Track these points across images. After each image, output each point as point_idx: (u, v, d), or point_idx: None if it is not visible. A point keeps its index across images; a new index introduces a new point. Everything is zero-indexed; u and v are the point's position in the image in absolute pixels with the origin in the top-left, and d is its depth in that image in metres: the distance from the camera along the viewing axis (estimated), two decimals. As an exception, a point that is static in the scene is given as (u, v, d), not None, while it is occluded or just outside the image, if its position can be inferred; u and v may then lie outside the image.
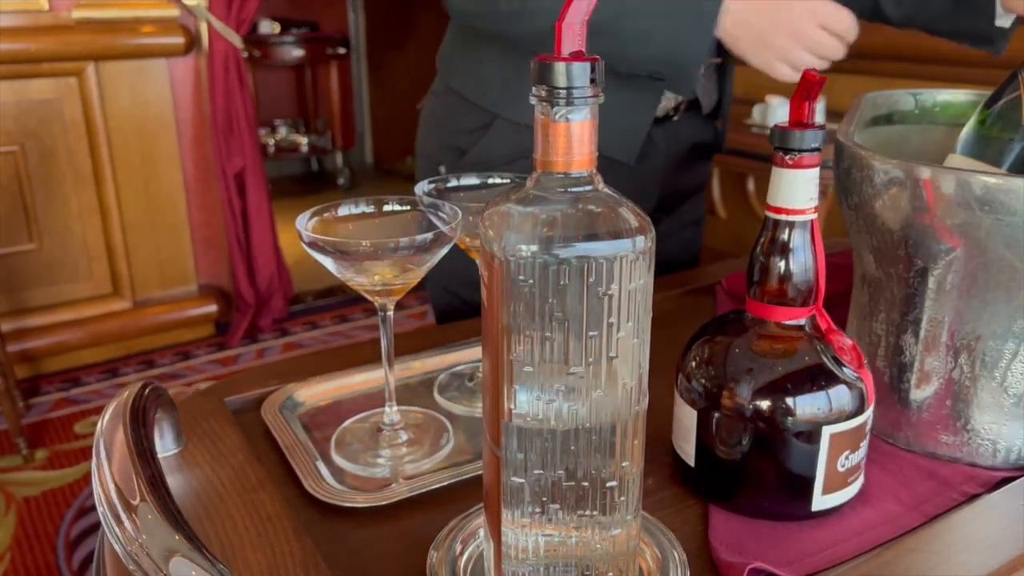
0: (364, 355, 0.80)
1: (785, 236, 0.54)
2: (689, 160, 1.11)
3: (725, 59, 1.04)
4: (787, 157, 0.53)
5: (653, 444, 0.57)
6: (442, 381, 0.76)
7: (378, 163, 5.50)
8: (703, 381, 0.57)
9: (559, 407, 0.42)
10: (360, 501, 0.58)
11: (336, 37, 4.82)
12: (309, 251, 0.59)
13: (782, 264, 0.55)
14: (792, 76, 0.84)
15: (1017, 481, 0.59)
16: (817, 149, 0.52)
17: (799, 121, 0.53)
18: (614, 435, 0.43)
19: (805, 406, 0.54)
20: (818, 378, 0.54)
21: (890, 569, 0.50)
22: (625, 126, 0.97)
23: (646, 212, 0.43)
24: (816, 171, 0.53)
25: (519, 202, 0.42)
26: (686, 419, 0.58)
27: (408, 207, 0.65)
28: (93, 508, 1.96)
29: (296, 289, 3.12)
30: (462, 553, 0.52)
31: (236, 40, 2.64)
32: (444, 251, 0.60)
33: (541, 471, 0.43)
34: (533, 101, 0.41)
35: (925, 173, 0.56)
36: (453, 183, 0.72)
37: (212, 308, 2.84)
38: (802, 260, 0.54)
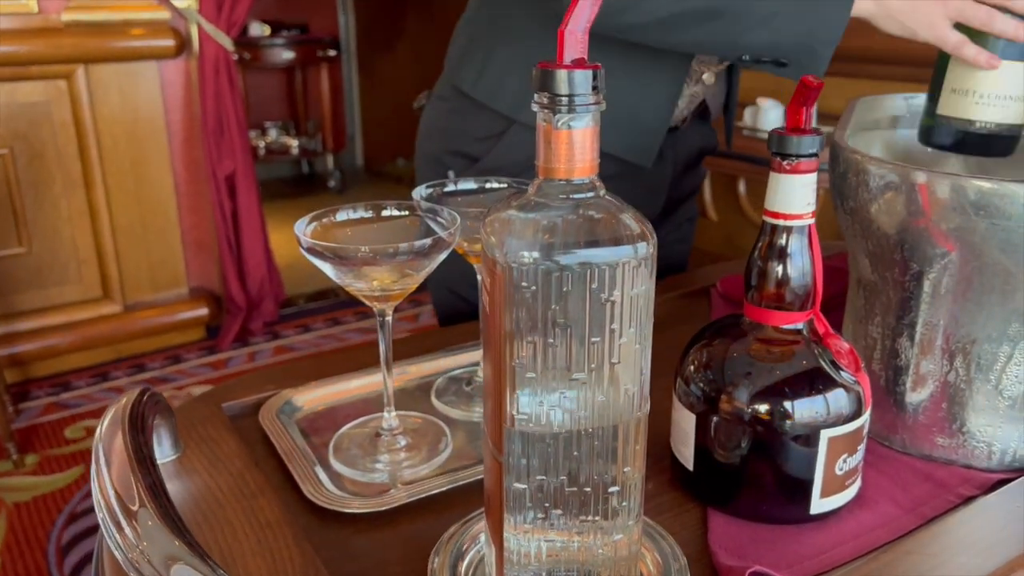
0: (360, 360, 0.80)
1: (783, 241, 0.55)
2: (692, 165, 1.11)
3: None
4: (785, 162, 0.53)
5: (652, 448, 0.57)
6: (440, 385, 0.76)
7: (369, 165, 5.50)
8: (701, 385, 0.57)
9: (561, 412, 0.42)
10: (359, 507, 0.58)
11: (326, 39, 4.81)
12: (308, 256, 0.59)
13: (780, 269, 0.55)
14: (944, 30, 0.77)
15: (1013, 483, 0.59)
16: (814, 154, 0.53)
17: (796, 127, 0.53)
18: (616, 440, 0.43)
19: (803, 410, 0.54)
20: (816, 382, 0.54)
21: (888, 572, 0.51)
22: (643, 128, 0.96)
23: (650, 218, 0.43)
24: (814, 176, 0.53)
25: (521, 208, 0.43)
26: (684, 423, 0.59)
27: (406, 212, 0.65)
28: (84, 513, 1.95)
29: (287, 292, 3.11)
30: (463, 558, 0.52)
31: (226, 42, 2.63)
32: (443, 256, 0.61)
33: (543, 477, 0.43)
34: (535, 108, 0.41)
35: (920, 177, 0.57)
36: (451, 188, 0.72)
37: (203, 311, 2.83)
38: (800, 265, 0.55)
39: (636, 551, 0.48)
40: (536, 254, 0.40)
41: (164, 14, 2.56)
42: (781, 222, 0.54)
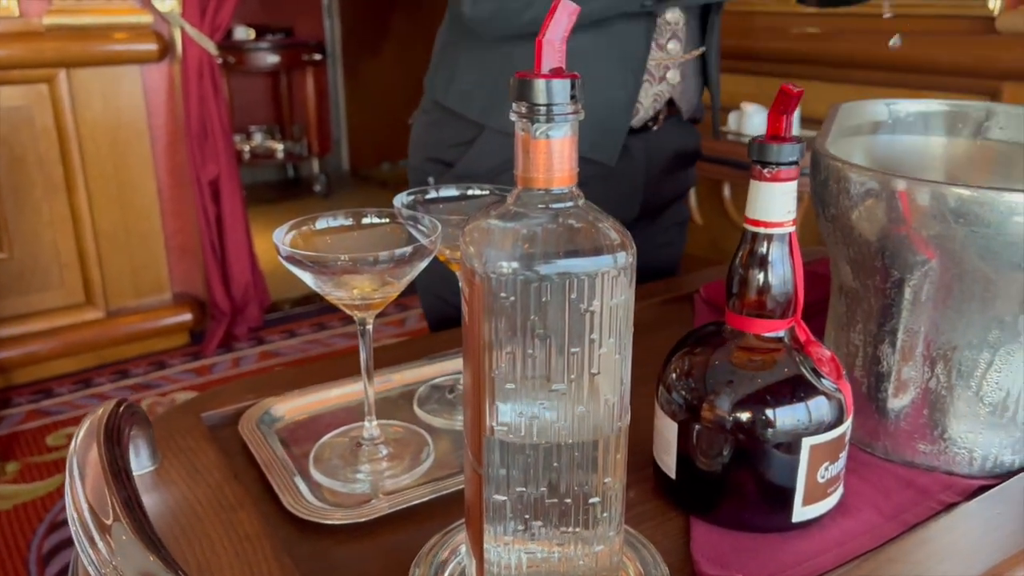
0: (343, 368, 0.79)
1: (764, 249, 0.54)
2: (673, 168, 1.11)
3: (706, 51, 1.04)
4: (765, 171, 0.53)
5: (633, 456, 0.57)
6: (422, 394, 0.76)
7: (354, 169, 5.48)
8: (683, 393, 0.57)
9: (541, 423, 0.42)
10: (339, 518, 0.57)
11: (312, 43, 4.80)
12: (287, 265, 0.58)
13: (761, 277, 0.55)
14: None
15: (994, 489, 0.59)
16: (795, 163, 0.53)
17: (777, 135, 0.53)
18: (596, 451, 0.43)
19: (785, 418, 0.54)
20: (797, 390, 0.54)
21: (870, 580, 0.51)
22: (603, 126, 0.96)
23: (625, 221, 0.43)
24: (794, 184, 0.53)
25: (500, 218, 0.42)
26: (667, 431, 0.58)
27: (387, 220, 0.65)
28: (66, 522, 1.93)
29: (272, 297, 3.09)
30: (444, 570, 0.52)
31: (210, 46, 2.62)
32: (424, 264, 0.60)
33: (523, 488, 0.43)
34: (513, 117, 0.41)
35: (900, 185, 0.57)
36: (432, 195, 0.71)
37: (187, 317, 2.81)
38: (781, 273, 0.55)
39: (618, 561, 0.47)
40: (515, 264, 0.40)
41: (147, 18, 2.54)
42: (762, 230, 0.54)
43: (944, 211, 0.55)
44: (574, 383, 0.41)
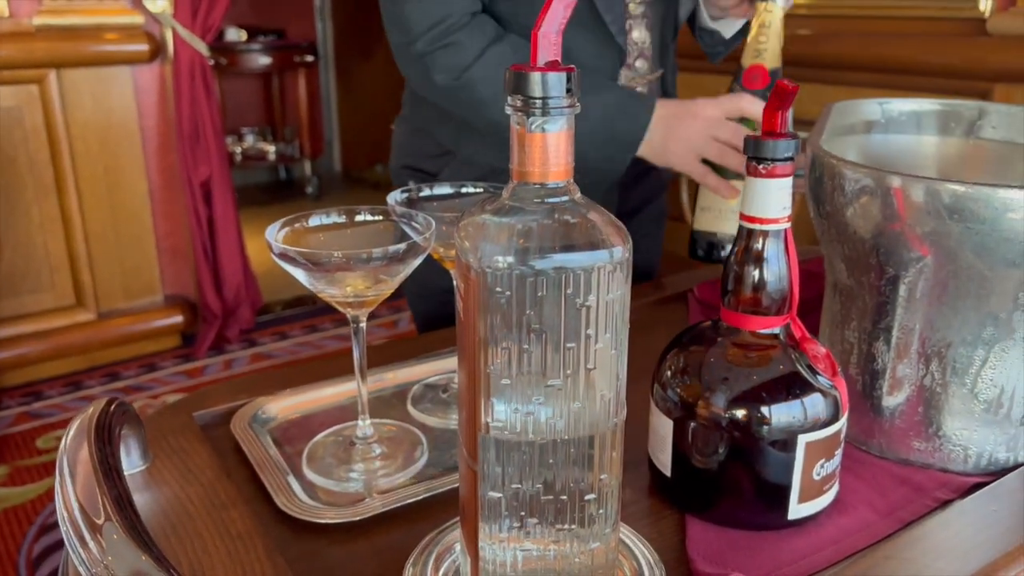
0: (336, 367, 0.79)
1: (759, 245, 0.54)
2: (646, 172, 1.12)
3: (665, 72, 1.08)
4: (760, 166, 0.53)
5: (628, 454, 0.57)
6: (416, 393, 0.75)
7: (347, 171, 5.47)
8: (679, 390, 0.57)
9: (537, 419, 0.42)
10: (333, 517, 0.57)
11: (304, 45, 4.79)
12: (279, 262, 0.58)
13: (756, 273, 0.55)
14: (690, 162, 0.93)
15: (989, 486, 0.59)
16: (790, 159, 0.53)
17: (772, 131, 0.53)
18: (592, 447, 0.43)
19: (780, 415, 0.54)
20: (793, 387, 0.54)
21: (866, 577, 0.51)
22: (616, 141, 0.96)
23: None
24: (789, 180, 0.53)
25: (495, 213, 0.42)
26: (662, 429, 0.58)
27: (380, 217, 0.65)
28: (56, 525, 1.92)
29: (264, 299, 3.08)
30: (438, 568, 0.51)
31: (202, 47, 2.61)
32: (417, 262, 0.60)
33: (519, 485, 0.43)
34: (508, 111, 0.41)
35: (895, 182, 0.57)
36: (426, 192, 0.71)
37: (178, 319, 2.80)
38: (776, 269, 0.54)
39: (613, 559, 0.47)
40: (511, 259, 0.40)
41: (138, 19, 2.53)
42: (757, 226, 0.54)
43: (939, 208, 0.55)
44: (570, 379, 0.41)
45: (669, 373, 0.58)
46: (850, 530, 0.56)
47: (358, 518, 0.57)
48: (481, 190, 0.73)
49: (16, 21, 2.37)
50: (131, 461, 0.61)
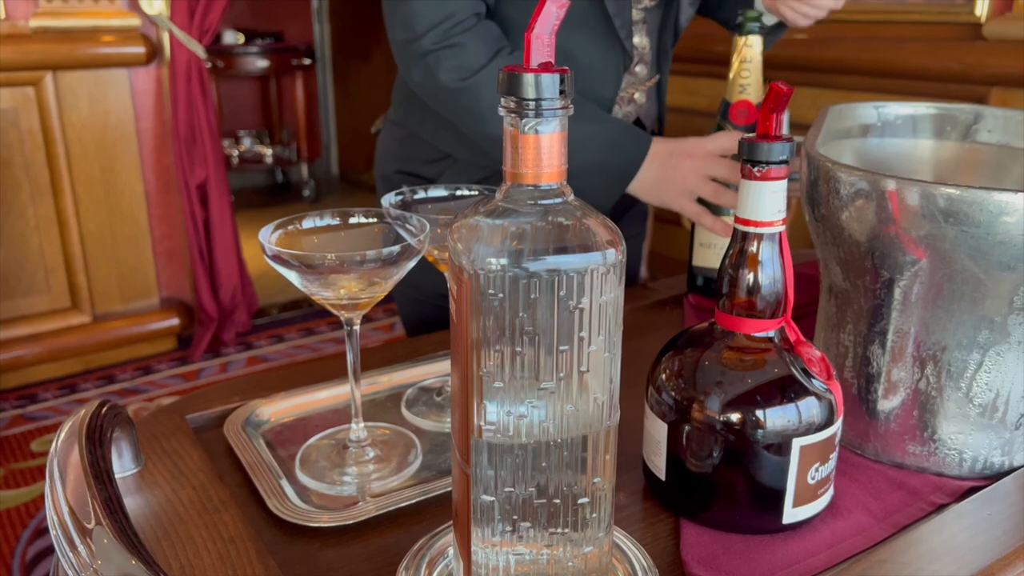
0: (330, 370, 0.78)
1: (754, 248, 0.54)
2: None
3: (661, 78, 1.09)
4: (755, 169, 0.53)
5: (622, 458, 0.57)
6: (410, 396, 0.75)
7: (344, 174, 5.47)
8: (673, 394, 0.57)
9: (530, 423, 0.41)
10: (326, 520, 0.57)
11: (301, 48, 4.79)
12: (273, 264, 0.58)
13: (751, 276, 0.54)
14: (685, 202, 0.92)
15: (984, 490, 0.59)
16: (785, 161, 0.52)
17: (767, 133, 0.53)
18: (585, 450, 0.43)
19: (775, 418, 0.53)
20: (788, 390, 0.54)
21: (861, 581, 0.50)
22: (610, 174, 0.96)
23: None
24: (784, 183, 0.53)
25: (488, 215, 0.42)
26: (656, 432, 0.58)
27: (375, 219, 0.64)
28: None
29: (260, 302, 3.08)
30: (431, 572, 0.51)
31: (199, 50, 2.61)
32: (412, 264, 0.60)
33: (512, 488, 0.43)
34: (502, 112, 0.40)
35: (890, 185, 0.56)
36: (421, 195, 0.71)
37: (174, 322, 2.79)
38: (771, 272, 0.54)
39: (607, 563, 0.47)
40: (504, 261, 0.40)
41: (135, 21, 2.52)
42: (752, 229, 0.54)
43: (934, 211, 0.55)
44: (563, 381, 0.41)
45: (664, 376, 0.58)
46: (845, 534, 0.56)
47: (351, 521, 0.57)
48: (476, 193, 0.72)
49: (12, 23, 2.37)
50: (123, 464, 0.61)
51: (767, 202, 0.53)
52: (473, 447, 0.42)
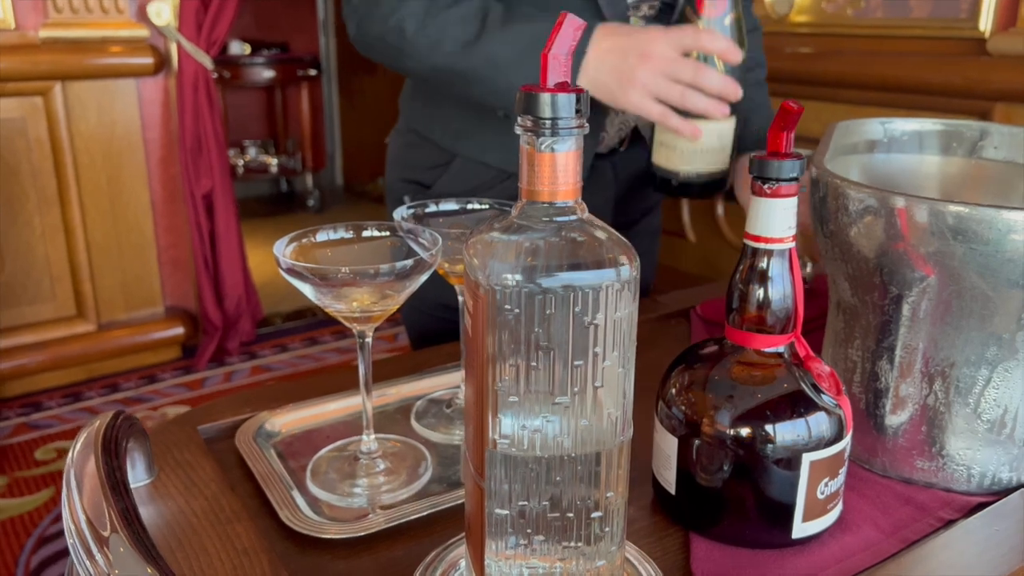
0: (338, 381, 0.79)
1: (764, 264, 0.55)
2: (640, 185, 1.13)
3: None
4: (765, 186, 0.53)
5: (632, 472, 0.57)
6: (419, 408, 0.75)
7: (348, 185, 5.48)
8: (683, 408, 0.57)
9: (544, 437, 0.42)
10: (337, 532, 0.57)
11: (307, 58, 4.81)
12: (287, 277, 0.58)
13: (761, 292, 0.55)
14: (647, 104, 0.85)
15: (992, 506, 0.59)
16: (795, 179, 0.53)
17: (777, 151, 0.54)
18: (599, 465, 0.43)
19: (785, 433, 0.54)
20: (798, 405, 0.54)
21: (871, 596, 0.51)
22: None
23: None
24: (794, 200, 0.54)
25: (504, 231, 0.42)
26: (666, 446, 0.58)
27: (387, 233, 0.65)
28: (54, 537, 1.91)
29: (265, 311, 3.08)
30: (443, 585, 0.51)
31: (206, 61, 2.62)
32: (424, 278, 0.60)
33: (525, 502, 0.43)
34: (518, 131, 0.41)
35: (899, 202, 0.57)
36: (432, 208, 0.71)
37: (178, 331, 2.80)
38: (780, 288, 0.55)
39: (618, 577, 0.47)
40: (519, 277, 0.40)
41: (143, 32, 2.54)
42: (762, 245, 0.54)
43: (942, 228, 0.55)
44: (577, 396, 0.41)
45: (674, 391, 0.58)
46: (854, 549, 0.56)
47: (362, 533, 0.57)
48: (487, 206, 0.73)
49: (22, 33, 2.38)
50: (136, 474, 0.61)
51: (777, 219, 0.54)
52: (488, 460, 0.43)
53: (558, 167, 0.41)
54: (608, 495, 0.44)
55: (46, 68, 2.41)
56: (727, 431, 0.55)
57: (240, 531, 0.56)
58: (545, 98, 0.40)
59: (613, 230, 0.43)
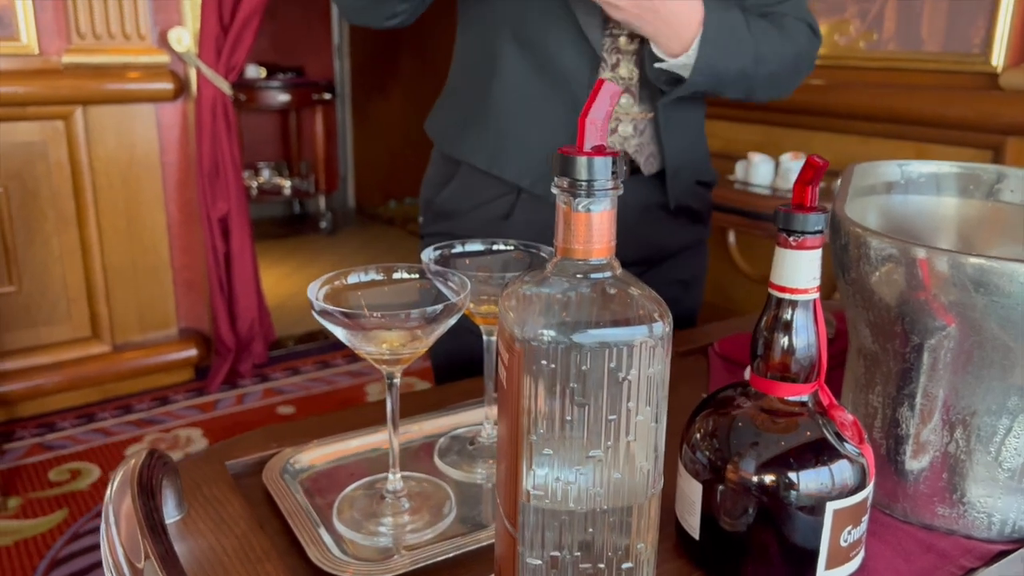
0: (363, 417, 0.80)
1: (788, 315, 0.56)
2: (650, 221, 1.10)
3: (656, 112, 1.05)
4: (791, 239, 0.54)
5: (659, 517, 0.57)
6: (442, 445, 0.76)
7: (360, 207, 5.52)
8: (708, 454, 0.58)
9: (577, 489, 0.43)
10: (364, 573, 0.58)
11: (321, 82, 4.87)
12: (319, 320, 0.60)
13: (785, 341, 0.56)
14: None
15: (1013, 555, 0.60)
16: (819, 231, 0.54)
17: (802, 203, 0.55)
18: (630, 516, 0.44)
19: (809, 481, 0.55)
20: (821, 453, 0.55)
21: (894, 646, 0.51)
22: (548, 164, 0.96)
23: None
24: (818, 252, 0.55)
25: (539, 285, 0.44)
26: (691, 491, 0.59)
27: (416, 275, 0.66)
28: (67, 559, 1.92)
29: (277, 333, 3.10)
30: (471, 628, 0.52)
31: (225, 87, 2.66)
32: (452, 321, 0.61)
33: (557, 552, 0.44)
34: (555, 191, 0.42)
35: (920, 253, 0.58)
36: (458, 249, 0.73)
37: (192, 352, 2.82)
38: (804, 338, 0.56)
39: (646, 625, 0.48)
40: (554, 332, 0.41)
41: (164, 58, 2.58)
42: (787, 296, 0.55)
43: (963, 279, 0.56)
44: (610, 450, 0.42)
45: (698, 436, 0.59)
46: (876, 597, 0.57)
47: (388, 575, 0.58)
48: (512, 247, 0.74)
49: (46, 59, 2.43)
50: (167, 511, 0.62)
51: (802, 270, 0.55)
52: (521, 511, 0.44)
53: (593, 227, 0.42)
54: (639, 546, 0.45)
55: (68, 93, 2.45)
56: (751, 478, 0.55)
57: (270, 570, 0.57)
58: (582, 161, 0.41)
59: (646, 286, 0.44)
